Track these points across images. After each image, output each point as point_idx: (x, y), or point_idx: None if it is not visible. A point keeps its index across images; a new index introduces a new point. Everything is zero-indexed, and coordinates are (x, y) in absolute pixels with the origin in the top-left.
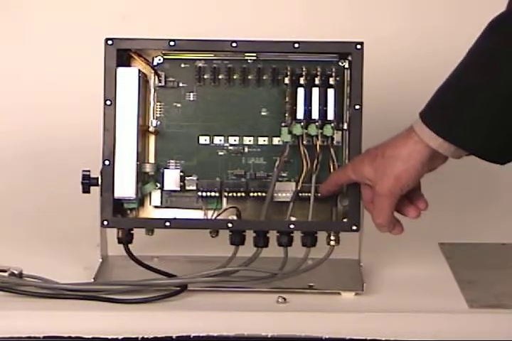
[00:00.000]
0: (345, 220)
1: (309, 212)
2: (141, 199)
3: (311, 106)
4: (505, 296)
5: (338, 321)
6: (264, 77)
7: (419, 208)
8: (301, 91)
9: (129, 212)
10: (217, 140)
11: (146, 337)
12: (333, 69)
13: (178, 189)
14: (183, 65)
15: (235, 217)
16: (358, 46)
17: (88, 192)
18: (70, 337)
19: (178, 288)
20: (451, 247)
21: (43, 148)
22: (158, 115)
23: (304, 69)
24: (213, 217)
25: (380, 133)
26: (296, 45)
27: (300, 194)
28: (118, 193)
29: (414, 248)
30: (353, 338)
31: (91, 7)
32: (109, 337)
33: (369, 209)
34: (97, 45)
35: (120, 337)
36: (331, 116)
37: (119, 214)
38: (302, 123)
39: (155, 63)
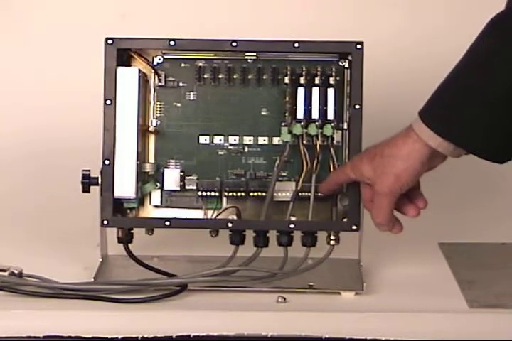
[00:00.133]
0: (345, 220)
1: (309, 211)
2: (141, 198)
3: (311, 105)
4: (505, 296)
5: (338, 321)
6: (264, 77)
7: (419, 207)
8: (301, 90)
9: (128, 211)
10: (217, 139)
11: (146, 336)
12: (333, 69)
13: (178, 188)
14: (183, 65)
15: (234, 217)
16: (358, 46)
17: (88, 191)
18: (70, 337)
19: (178, 288)
20: (451, 247)
21: (43, 147)
22: (158, 115)
23: (304, 68)
24: (213, 217)
25: (380, 133)
26: (296, 45)
27: (300, 193)
28: (118, 193)
29: (414, 248)
30: (353, 338)
31: (91, 7)
32: (109, 336)
33: (368, 208)
34: (97, 45)
35: (120, 336)
36: (331, 115)
37: (119, 214)
38: (302, 123)
39: (155, 63)
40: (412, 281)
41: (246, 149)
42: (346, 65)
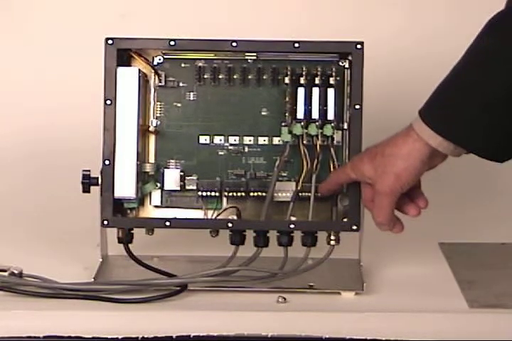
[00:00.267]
0: (345, 220)
1: (309, 211)
2: (141, 198)
3: (311, 105)
4: (505, 296)
5: (338, 321)
6: (265, 77)
7: (420, 206)
8: (301, 91)
9: (129, 211)
10: (218, 140)
11: (146, 336)
12: (333, 69)
13: (178, 189)
14: (183, 65)
15: (235, 217)
16: (358, 46)
17: (88, 191)
18: (70, 337)
19: (178, 288)
20: (451, 247)
21: (43, 147)
22: (158, 115)
23: (304, 69)
24: (213, 217)
25: (380, 133)
26: (297, 45)
27: (300, 194)
28: (118, 193)
29: (414, 248)
30: (353, 338)
31: (91, 7)
32: (109, 336)
33: (369, 208)
34: (97, 45)
35: (120, 336)
36: (331, 115)
37: (119, 214)
38: (302, 123)
39: (155, 63)
40: (412, 281)
41: (246, 149)
42: (346, 65)
